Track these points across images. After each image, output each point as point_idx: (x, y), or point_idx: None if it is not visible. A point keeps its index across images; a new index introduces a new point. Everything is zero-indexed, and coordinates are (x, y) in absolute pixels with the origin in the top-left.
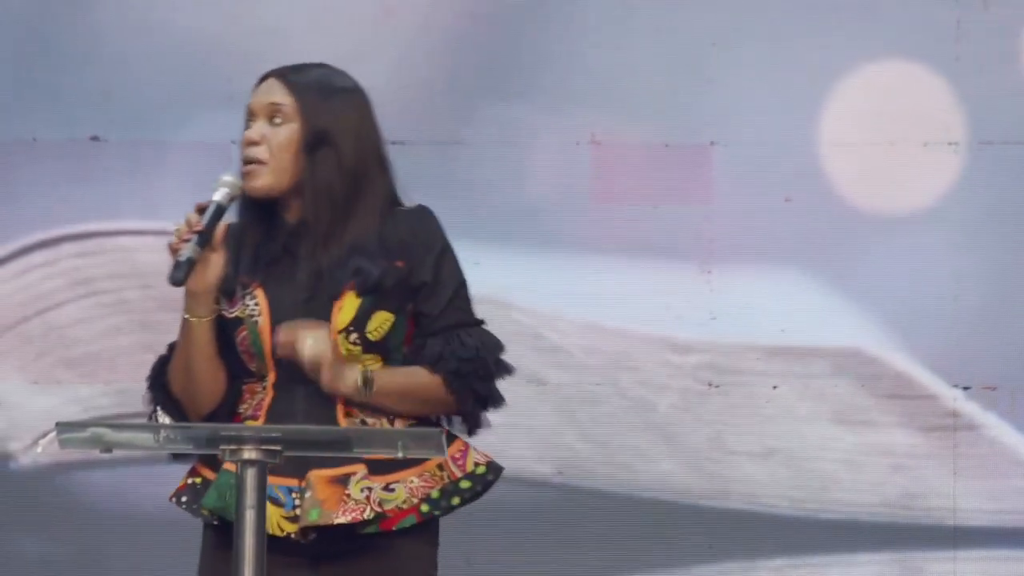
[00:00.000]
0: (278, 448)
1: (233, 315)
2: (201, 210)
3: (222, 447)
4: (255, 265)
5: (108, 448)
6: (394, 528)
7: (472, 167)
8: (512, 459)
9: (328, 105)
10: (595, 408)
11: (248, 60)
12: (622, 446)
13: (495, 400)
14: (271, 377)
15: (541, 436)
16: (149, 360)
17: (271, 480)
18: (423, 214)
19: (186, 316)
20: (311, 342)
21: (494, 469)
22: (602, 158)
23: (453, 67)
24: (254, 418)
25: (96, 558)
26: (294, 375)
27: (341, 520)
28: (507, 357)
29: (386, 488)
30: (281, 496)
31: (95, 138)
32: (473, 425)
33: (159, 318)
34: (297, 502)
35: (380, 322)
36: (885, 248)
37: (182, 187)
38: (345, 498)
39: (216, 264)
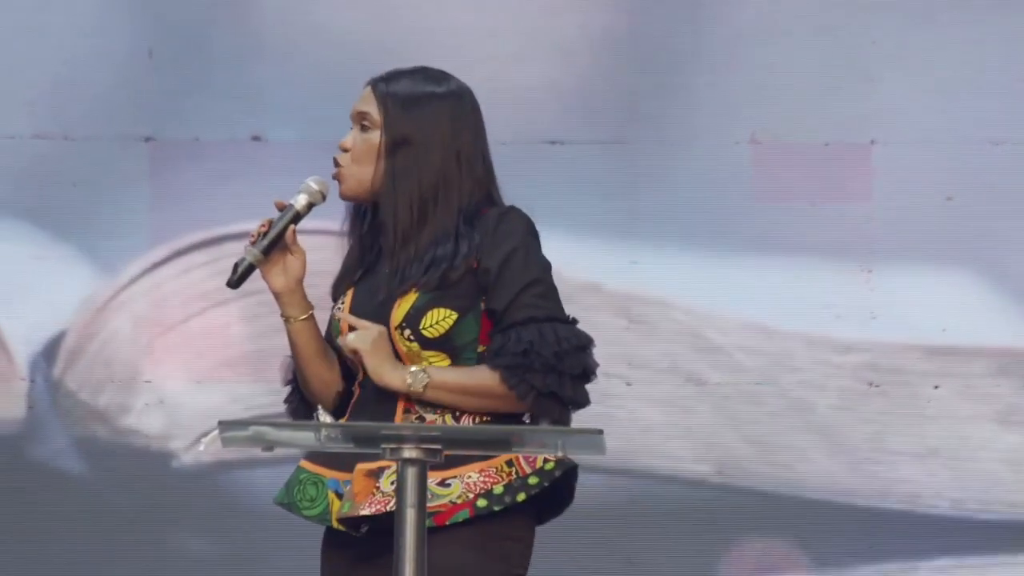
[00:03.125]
0: (438, 447)
1: (334, 315)
2: (282, 209)
3: (383, 446)
4: (357, 266)
5: (270, 447)
6: (447, 523)
7: (631, 166)
8: (671, 459)
9: (411, 113)
10: (754, 408)
11: (408, 61)
12: (781, 446)
13: (567, 396)
14: (360, 375)
15: (700, 436)
16: None
17: (332, 474)
18: (504, 213)
19: (282, 317)
20: (352, 337)
21: (562, 465)
22: (762, 157)
23: (613, 67)
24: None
25: (257, 557)
26: None
27: (365, 512)
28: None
29: (441, 484)
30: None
31: (256, 138)
32: (555, 422)
33: (319, 316)
34: None
35: (438, 319)
36: None
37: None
38: (374, 491)
39: (294, 265)
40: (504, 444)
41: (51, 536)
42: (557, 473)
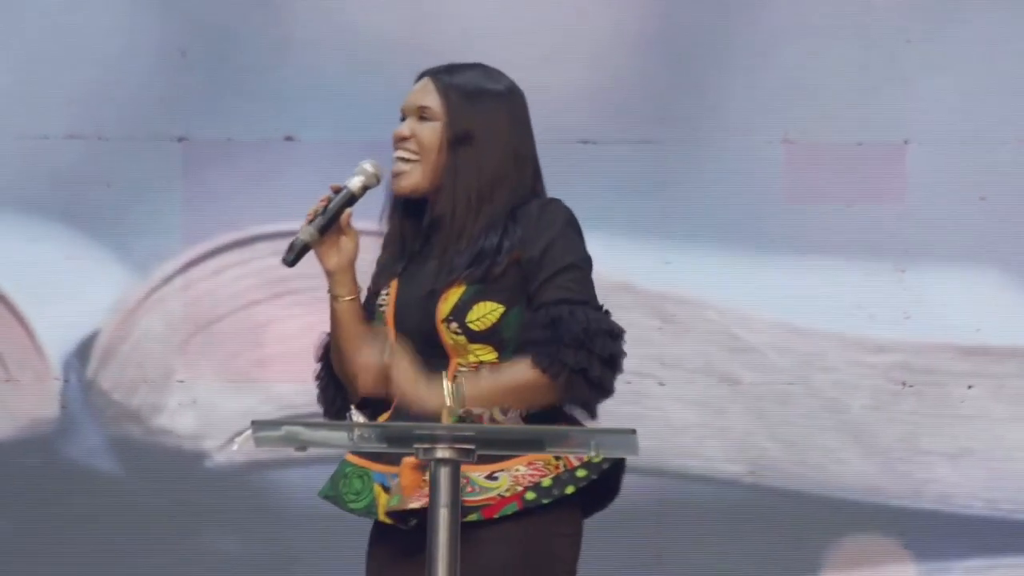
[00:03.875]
0: (471, 447)
1: (379, 306)
2: (337, 191)
3: (416, 446)
4: (401, 257)
5: (303, 447)
6: (496, 516)
7: (663, 166)
8: (703, 458)
9: (474, 107)
10: (787, 408)
11: (441, 62)
12: (814, 446)
13: (595, 376)
14: None
15: (733, 436)
16: None
17: (378, 467)
18: (545, 204)
19: (329, 295)
20: (395, 371)
21: (610, 458)
22: (794, 157)
23: (644, 67)
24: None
25: (289, 556)
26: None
27: (414, 505)
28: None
29: (489, 477)
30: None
31: (289, 138)
32: (586, 408)
33: None
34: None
35: (484, 312)
36: None
37: (374, 187)
38: (423, 483)
39: (347, 246)
40: (538, 444)
41: (84, 535)
42: (605, 466)
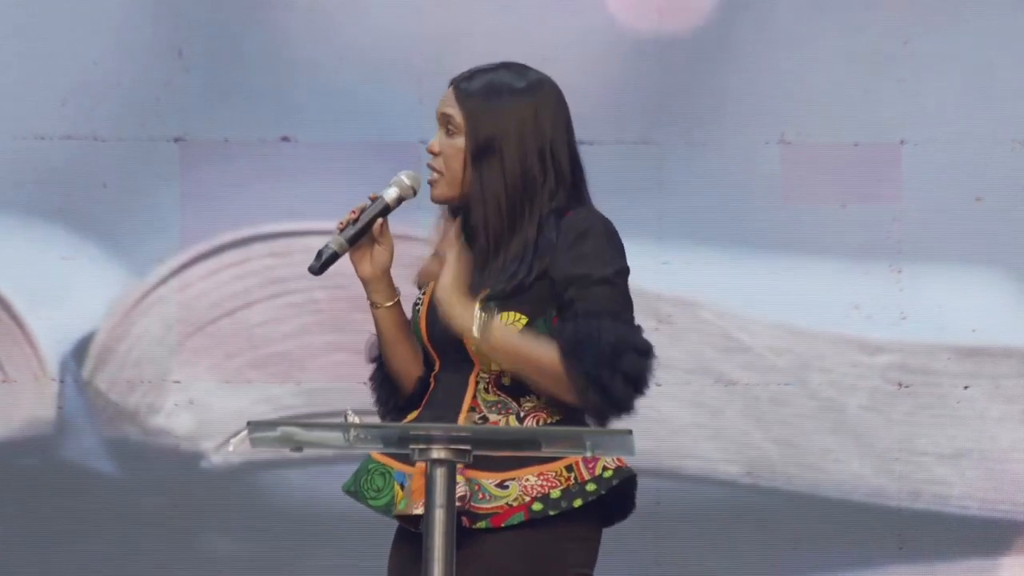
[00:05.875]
0: (467, 448)
1: (415, 306)
2: (374, 200)
3: (411, 446)
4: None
5: (299, 447)
6: (503, 525)
7: (661, 167)
8: (701, 460)
9: (491, 112)
10: (784, 409)
11: (438, 63)
12: (811, 447)
13: (617, 395)
14: (436, 367)
15: (730, 437)
16: (339, 360)
17: (400, 466)
18: (583, 216)
19: (368, 301)
20: (444, 273)
21: (620, 474)
22: (791, 157)
23: (641, 67)
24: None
25: (287, 557)
26: (447, 366)
27: (417, 512)
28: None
29: (499, 485)
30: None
31: (286, 139)
32: (596, 418)
33: (350, 318)
34: None
35: (508, 322)
36: None
37: (371, 188)
38: None
39: (381, 256)
40: (533, 444)
41: (80, 536)
42: (615, 482)
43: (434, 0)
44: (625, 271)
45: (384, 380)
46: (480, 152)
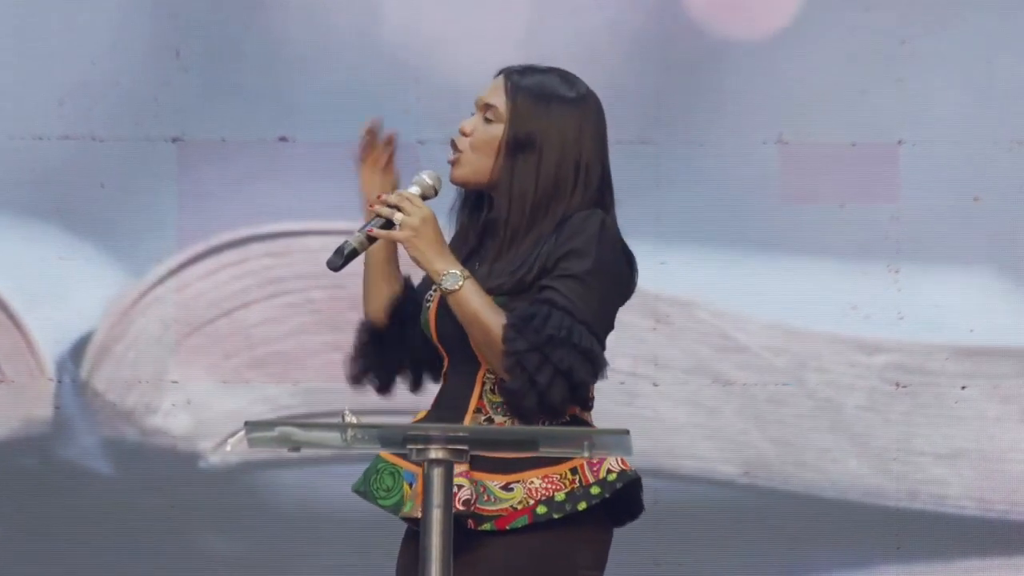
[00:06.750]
0: (465, 448)
1: (425, 301)
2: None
3: (409, 447)
4: (456, 254)
5: (296, 447)
6: (507, 528)
7: (659, 167)
8: (698, 460)
9: (540, 112)
10: (781, 409)
11: (436, 64)
12: (808, 447)
13: (541, 384)
14: (445, 364)
15: (727, 437)
16: (337, 360)
17: (409, 466)
18: (587, 216)
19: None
20: (400, 217)
21: (624, 477)
22: (789, 157)
23: (640, 67)
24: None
25: (285, 557)
26: (456, 363)
27: (418, 515)
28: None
29: (504, 487)
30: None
31: (283, 139)
32: (515, 403)
33: (347, 318)
34: None
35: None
36: None
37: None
38: None
39: (394, 246)
40: (531, 444)
41: (78, 536)
42: (619, 485)
43: (433, 0)
44: (608, 275)
45: (364, 343)
46: (518, 145)
